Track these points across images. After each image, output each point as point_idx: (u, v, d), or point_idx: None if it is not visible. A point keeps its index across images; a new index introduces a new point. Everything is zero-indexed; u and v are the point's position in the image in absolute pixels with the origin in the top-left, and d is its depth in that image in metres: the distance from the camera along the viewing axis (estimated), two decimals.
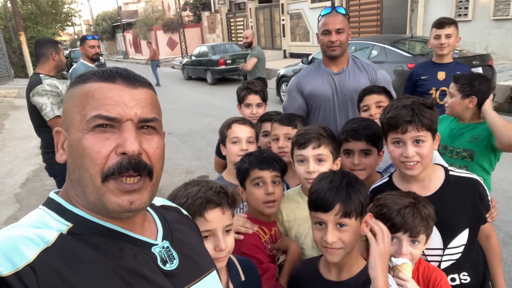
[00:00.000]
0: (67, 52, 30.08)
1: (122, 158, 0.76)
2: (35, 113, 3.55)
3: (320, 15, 2.54)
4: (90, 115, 0.77)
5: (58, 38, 29.75)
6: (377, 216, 1.45)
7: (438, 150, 2.08)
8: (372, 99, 2.19)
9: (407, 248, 1.39)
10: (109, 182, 0.76)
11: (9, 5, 17.58)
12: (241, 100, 2.74)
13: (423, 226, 1.39)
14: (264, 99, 2.73)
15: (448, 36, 3.07)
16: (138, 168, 0.77)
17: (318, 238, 1.35)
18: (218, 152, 2.78)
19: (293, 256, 1.68)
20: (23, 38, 13.65)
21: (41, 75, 3.59)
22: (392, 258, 1.37)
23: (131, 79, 0.82)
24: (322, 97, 2.56)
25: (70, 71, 4.81)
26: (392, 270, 1.36)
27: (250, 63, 7.16)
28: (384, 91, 2.22)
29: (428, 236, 1.44)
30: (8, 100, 13.64)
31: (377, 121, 2.12)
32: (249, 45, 7.27)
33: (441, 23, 3.08)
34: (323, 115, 2.59)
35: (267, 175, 1.70)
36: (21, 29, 13.79)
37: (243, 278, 1.39)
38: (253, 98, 2.69)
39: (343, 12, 2.47)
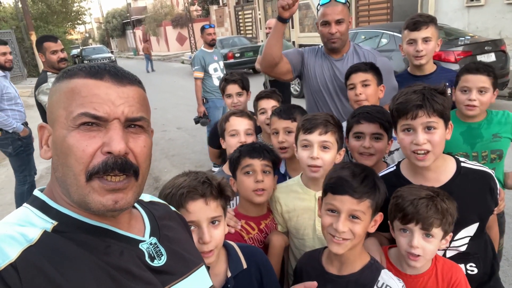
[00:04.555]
0: (78, 50, 30.43)
1: (107, 157, 0.75)
2: (42, 111, 3.62)
3: (319, 4, 2.49)
4: (76, 112, 0.75)
5: (69, 37, 30.03)
6: (392, 207, 1.42)
7: None
8: (358, 78, 2.13)
9: (419, 240, 1.34)
10: (93, 181, 0.75)
11: (20, 5, 17.79)
12: (222, 91, 2.81)
13: (437, 219, 1.32)
14: (244, 87, 2.78)
15: (426, 40, 2.27)
16: (124, 168, 0.76)
17: (326, 224, 1.31)
18: (211, 143, 2.95)
19: (272, 250, 1.67)
20: (34, 38, 13.85)
21: (48, 73, 3.66)
22: None
23: (119, 76, 0.80)
24: (319, 81, 2.55)
25: (192, 57, 5.31)
26: None
27: (258, 60, 6.50)
28: (371, 68, 2.15)
29: (446, 233, 1.37)
30: (22, 99, 13.85)
31: (364, 102, 2.09)
32: None
33: (416, 23, 2.26)
34: (320, 99, 2.58)
35: (257, 163, 1.70)
36: (32, 29, 14.00)
37: (244, 266, 1.37)
38: (232, 88, 2.76)
39: (343, 0, 2.42)
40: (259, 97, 2.47)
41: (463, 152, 2.04)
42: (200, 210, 1.25)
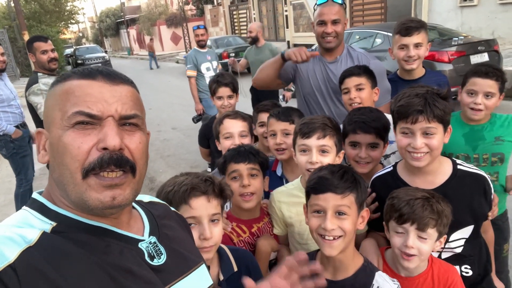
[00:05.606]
0: (71, 50, 30.22)
1: (103, 153, 0.75)
2: (33, 112, 3.60)
3: (315, 4, 2.50)
4: (71, 111, 0.76)
5: (63, 36, 29.81)
6: (388, 207, 1.43)
7: None
8: (352, 82, 2.13)
9: (414, 241, 1.35)
10: (90, 178, 0.75)
11: (12, 4, 17.65)
12: (213, 92, 2.86)
13: (433, 219, 1.34)
14: (235, 90, 2.86)
15: (417, 45, 2.29)
16: (120, 163, 0.76)
17: (315, 226, 1.32)
18: (200, 142, 3.09)
19: (259, 255, 1.67)
20: (27, 37, 13.72)
21: (39, 74, 3.64)
22: None
23: (112, 76, 0.82)
24: (312, 83, 2.56)
25: (185, 56, 5.42)
26: None
27: (240, 63, 6.06)
28: (364, 72, 2.15)
29: (440, 234, 1.39)
30: None
31: (359, 105, 2.09)
32: (253, 41, 5.78)
33: (408, 29, 2.28)
34: (314, 102, 2.59)
35: (243, 167, 1.70)
36: (25, 28, 13.88)
37: (235, 269, 1.39)
38: (224, 91, 2.82)
39: (339, 1, 2.43)
40: (260, 110, 2.46)
41: (464, 154, 2.03)
42: (202, 206, 1.28)
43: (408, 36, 2.29)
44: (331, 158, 1.65)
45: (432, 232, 1.36)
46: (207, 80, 5.39)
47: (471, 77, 1.97)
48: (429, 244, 1.37)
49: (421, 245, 1.36)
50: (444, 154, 1.99)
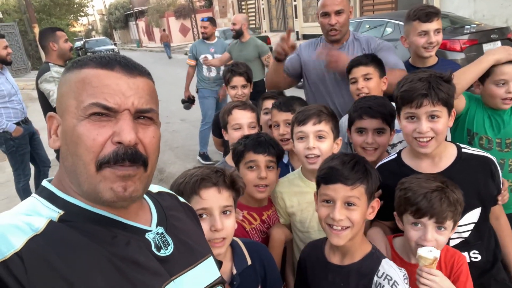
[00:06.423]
0: (81, 42, 30.39)
1: (118, 147, 0.75)
2: (44, 100, 3.62)
3: None
4: (88, 102, 0.76)
5: (72, 29, 29.99)
6: (401, 200, 1.41)
7: (482, 145, 1.94)
8: (359, 72, 2.09)
9: (432, 234, 1.34)
10: (105, 170, 0.75)
11: None
12: (227, 82, 2.86)
13: (451, 211, 1.33)
14: (249, 79, 2.85)
15: (438, 31, 2.27)
16: (134, 159, 0.77)
17: (324, 216, 1.32)
18: (214, 132, 3.06)
19: (273, 243, 1.68)
20: (37, 30, 13.84)
21: (50, 64, 3.66)
22: (420, 251, 1.29)
23: (130, 67, 0.81)
24: (318, 71, 2.55)
25: (190, 47, 5.58)
26: (419, 260, 1.30)
27: (220, 58, 5.33)
28: (372, 61, 2.11)
29: (455, 223, 1.38)
30: (26, 92, 13.83)
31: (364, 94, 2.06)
32: (237, 35, 5.11)
33: (428, 15, 2.24)
34: (319, 90, 2.57)
35: (261, 159, 1.69)
36: (35, 21, 14.00)
37: (249, 263, 1.38)
38: (238, 80, 2.81)
39: None
40: (265, 97, 2.47)
41: (487, 136, 1.96)
42: (213, 197, 1.27)
43: (429, 22, 2.24)
44: (328, 143, 1.66)
45: (449, 224, 1.36)
46: (204, 71, 5.45)
47: (497, 66, 1.88)
48: (446, 235, 1.37)
49: (439, 237, 1.35)
50: (469, 132, 1.97)
